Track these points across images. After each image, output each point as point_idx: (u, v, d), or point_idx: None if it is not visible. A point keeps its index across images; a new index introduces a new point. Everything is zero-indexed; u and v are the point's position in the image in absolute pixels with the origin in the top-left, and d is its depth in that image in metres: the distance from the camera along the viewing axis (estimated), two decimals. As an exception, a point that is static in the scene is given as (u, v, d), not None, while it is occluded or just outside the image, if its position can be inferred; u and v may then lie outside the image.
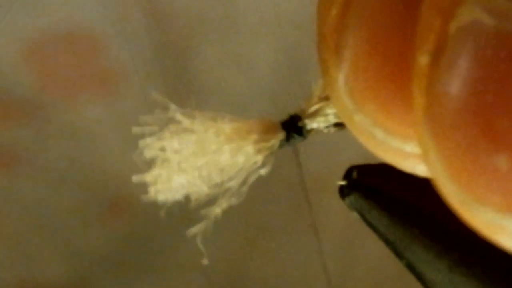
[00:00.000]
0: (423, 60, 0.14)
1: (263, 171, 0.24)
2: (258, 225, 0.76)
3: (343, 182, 0.29)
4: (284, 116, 0.26)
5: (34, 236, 0.69)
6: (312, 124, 0.26)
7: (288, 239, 0.77)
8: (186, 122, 0.24)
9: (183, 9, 0.63)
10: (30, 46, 0.61)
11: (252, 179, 0.24)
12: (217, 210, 0.24)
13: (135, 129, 0.23)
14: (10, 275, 0.69)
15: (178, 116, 0.24)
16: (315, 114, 0.26)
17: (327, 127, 0.26)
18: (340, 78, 0.17)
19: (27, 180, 0.67)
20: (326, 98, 0.26)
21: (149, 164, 0.25)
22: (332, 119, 0.26)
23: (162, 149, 0.25)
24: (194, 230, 0.25)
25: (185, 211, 0.25)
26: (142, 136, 0.24)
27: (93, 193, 0.69)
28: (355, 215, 0.29)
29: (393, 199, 0.29)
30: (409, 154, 0.17)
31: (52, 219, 0.69)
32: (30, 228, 0.69)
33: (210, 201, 0.24)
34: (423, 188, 0.29)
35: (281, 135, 0.25)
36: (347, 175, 0.29)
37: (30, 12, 0.59)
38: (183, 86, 0.67)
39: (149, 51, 0.65)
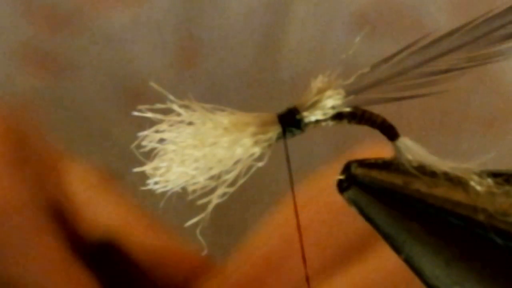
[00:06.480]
0: None
1: (260, 163, 0.25)
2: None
3: (341, 177, 0.29)
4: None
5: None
6: (310, 117, 0.26)
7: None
8: (184, 114, 0.25)
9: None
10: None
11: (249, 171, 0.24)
12: (215, 201, 0.24)
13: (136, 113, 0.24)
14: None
15: (177, 109, 0.25)
16: (312, 107, 0.26)
17: (325, 120, 0.27)
18: None
19: (74, 83, 0.70)
20: (324, 91, 0.26)
21: (149, 155, 0.25)
22: (330, 112, 0.26)
23: (161, 141, 0.25)
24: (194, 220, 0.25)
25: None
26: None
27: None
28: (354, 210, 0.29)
29: (391, 193, 0.29)
30: None
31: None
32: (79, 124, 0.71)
33: (208, 192, 0.24)
34: (421, 183, 0.29)
35: (278, 127, 0.25)
36: (345, 170, 0.29)
37: None
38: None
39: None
